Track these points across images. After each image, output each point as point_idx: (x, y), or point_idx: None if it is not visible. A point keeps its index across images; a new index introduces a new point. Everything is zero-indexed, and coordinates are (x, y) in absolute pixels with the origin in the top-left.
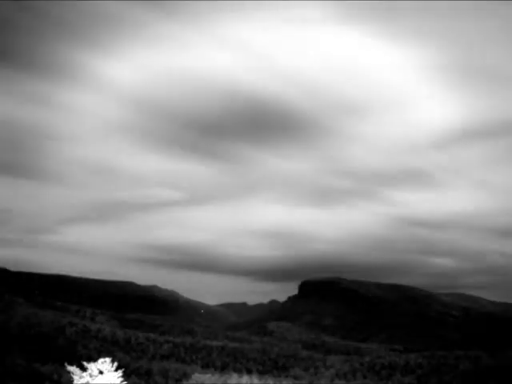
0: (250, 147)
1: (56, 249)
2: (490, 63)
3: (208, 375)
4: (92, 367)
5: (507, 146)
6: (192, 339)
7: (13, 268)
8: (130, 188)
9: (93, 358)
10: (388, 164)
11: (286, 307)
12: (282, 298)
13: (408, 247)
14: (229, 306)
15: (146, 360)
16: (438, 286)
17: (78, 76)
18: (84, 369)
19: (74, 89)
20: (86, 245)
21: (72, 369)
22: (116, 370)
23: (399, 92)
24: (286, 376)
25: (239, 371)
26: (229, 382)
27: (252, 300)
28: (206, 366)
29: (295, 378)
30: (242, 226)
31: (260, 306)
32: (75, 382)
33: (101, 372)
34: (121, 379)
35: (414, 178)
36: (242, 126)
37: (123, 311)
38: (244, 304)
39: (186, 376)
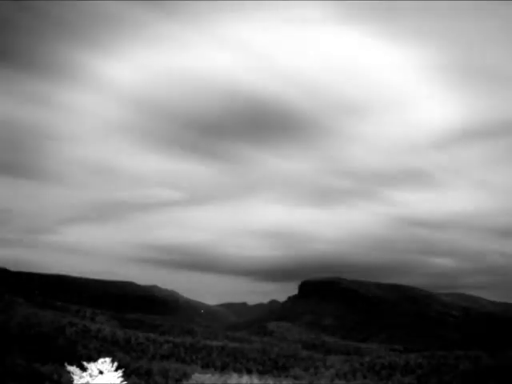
0: (250, 147)
1: (56, 249)
2: (489, 63)
3: (208, 375)
4: (92, 367)
5: (507, 146)
6: (192, 339)
7: (13, 268)
8: (130, 188)
9: (93, 358)
10: (388, 164)
11: (286, 307)
12: (282, 297)
13: (408, 247)
14: (229, 306)
15: (146, 360)
16: (438, 286)
17: (78, 76)
18: (84, 369)
19: (74, 89)
20: (85, 245)
21: (72, 369)
22: (116, 369)
23: (399, 92)
24: (286, 376)
25: (239, 371)
26: (229, 381)
27: (252, 300)
28: (206, 366)
29: (295, 377)
30: (242, 226)
31: (260, 306)
32: (75, 381)
33: (101, 372)
34: (121, 379)
35: (414, 177)
36: (241, 126)
37: (123, 311)
38: (244, 304)
39: (186, 376)
